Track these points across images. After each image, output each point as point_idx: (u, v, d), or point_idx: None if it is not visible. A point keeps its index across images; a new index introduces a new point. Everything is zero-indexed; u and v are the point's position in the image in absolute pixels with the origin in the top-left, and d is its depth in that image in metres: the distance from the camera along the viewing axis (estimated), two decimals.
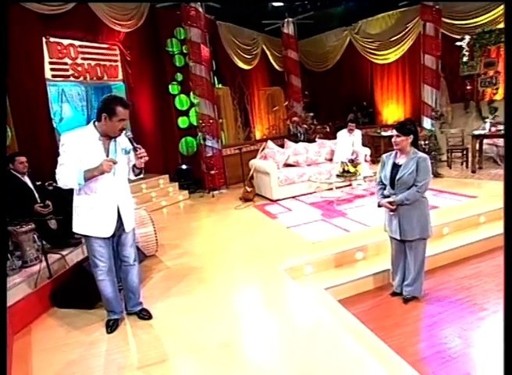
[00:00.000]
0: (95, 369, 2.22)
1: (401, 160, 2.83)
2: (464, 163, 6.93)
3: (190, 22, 6.34)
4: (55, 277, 3.26)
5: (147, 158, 2.46)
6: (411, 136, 2.76)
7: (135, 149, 2.42)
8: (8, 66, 4.83)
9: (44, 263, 3.34)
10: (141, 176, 2.65)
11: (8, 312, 2.66)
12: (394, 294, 3.12)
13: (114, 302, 2.65)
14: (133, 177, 2.61)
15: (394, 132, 2.79)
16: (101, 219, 2.43)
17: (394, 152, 2.89)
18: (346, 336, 2.34)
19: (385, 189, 2.96)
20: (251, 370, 2.11)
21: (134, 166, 2.51)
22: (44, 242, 3.78)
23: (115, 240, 2.59)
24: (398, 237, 2.89)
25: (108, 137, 2.40)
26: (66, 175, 2.30)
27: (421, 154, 2.80)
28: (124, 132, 2.42)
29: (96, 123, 2.39)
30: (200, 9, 6.46)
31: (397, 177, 2.78)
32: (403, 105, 9.02)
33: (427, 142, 6.74)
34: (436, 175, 6.42)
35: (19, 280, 3.25)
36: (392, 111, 9.21)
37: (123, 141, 2.47)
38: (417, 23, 7.91)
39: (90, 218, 2.43)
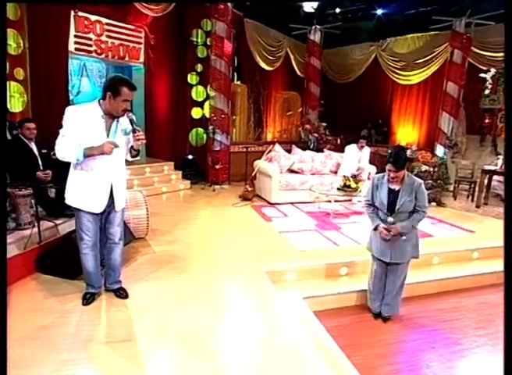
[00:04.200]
0: (63, 337, 2.26)
1: (396, 186, 2.80)
2: (470, 196, 6.84)
3: (217, 15, 6.39)
4: (43, 243, 3.32)
5: (144, 141, 2.50)
6: (406, 164, 2.74)
7: (134, 131, 2.45)
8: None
9: (36, 229, 3.40)
10: (138, 158, 2.68)
11: None
12: (375, 315, 3.10)
13: (94, 277, 2.69)
14: (130, 159, 2.63)
15: (389, 166, 2.69)
16: (93, 194, 2.47)
17: (386, 177, 2.82)
18: (310, 348, 2.34)
19: (377, 211, 2.94)
20: (207, 364, 2.12)
21: (132, 147, 2.55)
22: (40, 209, 3.87)
23: (104, 217, 2.63)
24: (387, 260, 2.87)
25: (110, 115, 2.43)
26: (66, 148, 2.35)
27: (415, 179, 2.78)
28: (126, 113, 2.45)
29: (100, 100, 2.42)
30: (229, 4, 6.50)
31: (398, 206, 2.75)
32: (419, 128, 8.94)
33: (436, 169, 6.68)
34: (439, 204, 6.37)
35: (10, 240, 3.32)
36: (406, 133, 9.13)
37: (124, 122, 2.50)
38: (445, 48, 7.83)
39: (82, 192, 2.47)
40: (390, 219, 2.77)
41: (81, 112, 2.40)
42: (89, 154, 2.34)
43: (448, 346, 2.70)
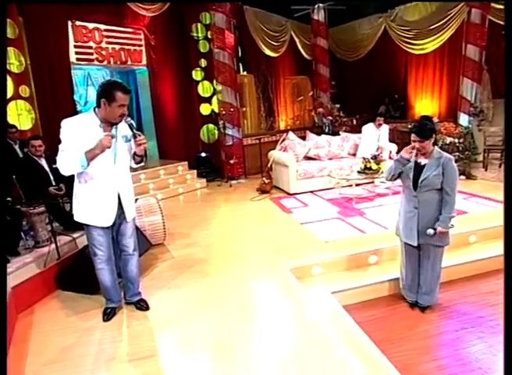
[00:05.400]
0: (85, 358, 2.20)
1: (423, 160, 2.59)
2: (503, 165, 6.37)
3: (215, 6, 6.17)
4: (62, 260, 3.30)
5: (146, 145, 2.38)
6: (433, 136, 2.50)
7: (134, 136, 2.33)
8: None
9: (53, 245, 3.39)
10: (142, 164, 2.57)
11: (15, 291, 2.73)
12: (411, 304, 2.89)
13: (112, 291, 2.63)
14: (134, 165, 2.53)
15: (413, 136, 2.50)
16: (101, 207, 2.38)
17: (414, 151, 2.64)
18: (343, 346, 2.18)
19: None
20: (237, 372, 2.00)
21: (135, 153, 2.43)
22: (57, 224, 3.87)
23: (115, 229, 2.54)
24: (415, 244, 2.66)
25: (108, 123, 2.32)
26: (67, 161, 2.25)
27: (445, 154, 2.57)
28: (124, 118, 2.33)
29: (96, 109, 2.31)
30: None
31: (421, 178, 2.54)
32: (439, 99, 8.40)
33: (461, 140, 6.26)
34: (469, 176, 5.96)
35: (30, 259, 3.33)
36: (425, 105, 8.62)
37: (124, 128, 2.39)
38: (461, 9, 7.23)
39: (90, 207, 2.38)
40: (430, 231, 2.55)
41: (77, 124, 2.29)
42: (91, 156, 2.23)
43: (498, 335, 2.44)
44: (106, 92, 2.24)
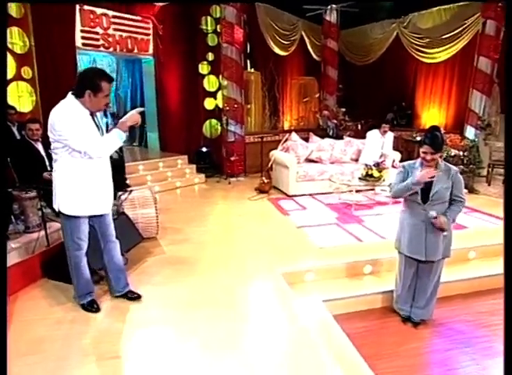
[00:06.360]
0: (62, 352, 2.13)
1: None
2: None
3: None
4: (50, 247, 3.22)
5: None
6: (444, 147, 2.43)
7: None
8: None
9: (43, 231, 3.31)
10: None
11: None
12: (404, 319, 2.80)
13: (91, 283, 2.57)
14: None
15: (426, 148, 2.40)
16: (102, 193, 2.35)
17: (419, 162, 2.54)
18: (330, 359, 2.10)
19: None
20: None
21: None
22: (49, 210, 3.79)
23: (98, 219, 2.44)
24: (422, 258, 2.55)
25: (90, 112, 2.28)
26: (101, 142, 2.22)
27: (451, 166, 2.52)
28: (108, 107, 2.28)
29: (76, 97, 2.20)
30: None
31: (432, 192, 2.46)
32: (446, 110, 8.29)
33: (466, 153, 6.17)
34: (471, 191, 5.87)
35: (18, 245, 3.24)
36: (432, 115, 8.51)
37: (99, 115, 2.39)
38: (476, 20, 7.13)
39: (89, 195, 2.30)
40: (432, 213, 2.44)
41: (72, 112, 2.18)
42: (124, 128, 2.26)
43: (492, 357, 2.36)
44: (91, 83, 2.16)
